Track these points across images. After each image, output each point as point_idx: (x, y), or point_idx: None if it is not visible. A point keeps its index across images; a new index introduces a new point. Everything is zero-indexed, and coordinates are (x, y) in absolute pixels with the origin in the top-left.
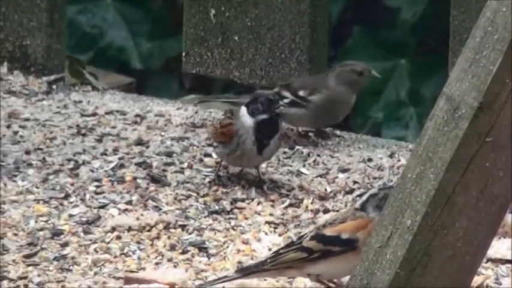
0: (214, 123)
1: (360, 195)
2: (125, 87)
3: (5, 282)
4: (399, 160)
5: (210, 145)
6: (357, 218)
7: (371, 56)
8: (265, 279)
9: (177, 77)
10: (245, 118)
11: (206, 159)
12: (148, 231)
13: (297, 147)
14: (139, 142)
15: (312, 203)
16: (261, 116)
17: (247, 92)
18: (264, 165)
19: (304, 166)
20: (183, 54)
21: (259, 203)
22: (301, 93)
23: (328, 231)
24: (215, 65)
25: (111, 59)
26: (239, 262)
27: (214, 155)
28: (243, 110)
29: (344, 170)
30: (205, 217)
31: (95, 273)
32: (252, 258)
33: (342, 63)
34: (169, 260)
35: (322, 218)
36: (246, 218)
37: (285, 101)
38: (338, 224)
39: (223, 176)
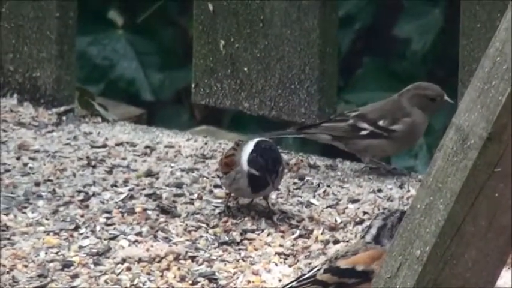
0: (222, 154)
1: (367, 229)
2: (135, 119)
3: None
4: (409, 191)
5: (218, 176)
6: (368, 249)
7: (381, 87)
8: None
9: (188, 108)
10: (244, 161)
11: (216, 190)
12: (159, 262)
13: (306, 178)
14: (149, 173)
15: (322, 233)
16: (252, 171)
17: (311, 127)
18: (273, 195)
19: (314, 197)
20: (193, 85)
21: (269, 234)
22: (381, 123)
23: (342, 264)
24: (225, 96)
25: (122, 91)
26: None
27: (223, 187)
28: (247, 150)
29: (354, 201)
30: (215, 248)
31: None
32: None
33: (416, 85)
34: None
35: (332, 249)
36: (256, 249)
37: (363, 133)
38: (350, 256)
39: (233, 207)
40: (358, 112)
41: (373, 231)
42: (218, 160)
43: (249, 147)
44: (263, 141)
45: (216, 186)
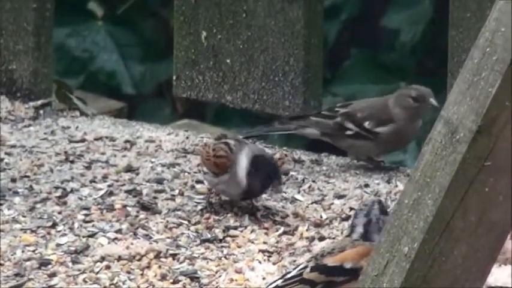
0: (206, 148)
1: (351, 228)
2: (115, 113)
3: None
4: (396, 185)
5: (202, 171)
6: (356, 246)
7: (369, 79)
8: None
9: (170, 102)
10: (240, 172)
11: (198, 186)
12: (139, 260)
13: (291, 173)
14: (129, 169)
15: (307, 230)
16: (254, 182)
17: (298, 118)
18: None
19: (298, 192)
20: (174, 77)
21: (252, 231)
22: (366, 124)
23: (330, 261)
24: (207, 88)
25: (102, 84)
26: None
27: (206, 182)
28: (243, 162)
29: (340, 196)
30: (197, 246)
31: None
32: None
33: (403, 87)
34: None
35: (318, 246)
36: (239, 247)
37: (349, 132)
38: (337, 253)
39: (216, 203)
40: (347, 110)
41: (360, 229)
42: (202, 154)
43: (245, 157)
44: (259, 156)
45: (198, 181)
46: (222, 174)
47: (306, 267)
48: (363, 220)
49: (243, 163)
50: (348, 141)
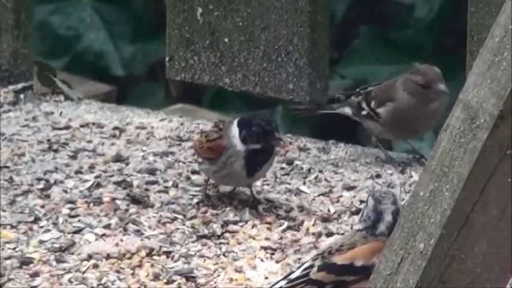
0: (199, 137)
1: (364, 221)
2: (103, 97)
3: None
4: (411, 176)
5: (196, 161)
6: (368, 241)
7: (380, 59)
8: None
9: (163, 85)
10: (236, 141)
11: (194, 177)
12: (129, 258)
13: (296, 162)
14: (118, 158)
15: (313, 225)
16: (253, 146)
17: (334, 101)
18: (258, 183)
19: (304, 184)
20: (167, 58)
21: (253, 226)
22: (372, 104)
23: (339, 260)
24: (203, 70)
25: (89, 65)
26: None
27: (202, 173)
28: (235, 130)
29: (349, 188)
30: (193, 242)
31: None
32: None
33: (412, 69)
34: None
35: (325, 243)
36: (239, 243)
37: (363, 113)
38: (347, 250)
39: (213, 195)
40: (369, 89)
41: (389, 218)
42: (195, 145)
43: (235, 126)
44: (246, 115)
45: (193, 172)
46: (218, 158)
47: (312, 266)
48: (391, 208)
49: (234, 131)
50: (365, 122)
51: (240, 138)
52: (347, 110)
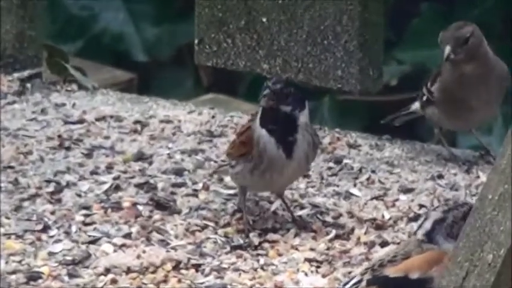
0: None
1: (421, 223)
2: (123, 86)
3: None
4: (478, 177)
5: (228, 164)
6: (425, 251)
7: None
8: None
9: (192, 72)
10: (257, 116)
11: (227, 178)
12: (153, 272)
13: (345, 161)
14: (140, 157)
15: (365, 233)
16: (263, 103)
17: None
18: (302, 184)
19: (355, 186)
20: (196, 41)
21: (296, 235)
22: (428, 84)
23: (392, 272)
24: (237, 55)
25: (106, 50)
26: None
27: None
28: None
29: (406, 191)
30: (226, 254)
31: None
32: None
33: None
34: None
35: (378, 254)
36: (280, 255)
37: (424, 98)
38: (401, 260)
39: (250, 199)
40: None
41: (428, 225)
42: (230, 141)
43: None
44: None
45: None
46: (251, 152)
47: (360, 281)
48: (437, 216)
49: (258, 117)
50: (427, 110)
51: (259, 117)
52: (416, 105)
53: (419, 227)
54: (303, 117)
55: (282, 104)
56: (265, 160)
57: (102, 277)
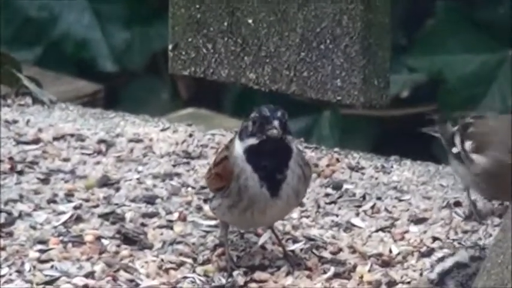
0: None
1: (440, 260)
2: (86, 99)
3: None
4: (502, 203)
5: (204, 199)
6: None
7: (464, 45)
8: None
9: (168, 83)
10: (236, 145)
11: (207, 207)
12: None
13: (345, 186)
14: (105, 182)
15: (369, 271)
16: (249, 141)
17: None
18: (295, 214)
19: (357, 215)
20: (170, 47)
21: (288, 274)
22: (467, 145)
23: None
24: (219, 62)
25: (67, 58)
26: None
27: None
28: (236, 139)
29: (418, 221)
30: None
31: None
32: None
33: None
34: None
35: None
36: None
37: (454, 150)
38: None
39: (234, 231)
40: (468, 120)
41: (446, 264)
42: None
43: (237, 142)
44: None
45: (206, 200)
46: (229, 186)
47: None
48: (460, 257)
49: (236, 141)
50: (453, 163)
51: (238, 138)
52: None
53: (438, 262)
54: (293, 145)
55: (286, 134)
56: (245, 199)
57: None
